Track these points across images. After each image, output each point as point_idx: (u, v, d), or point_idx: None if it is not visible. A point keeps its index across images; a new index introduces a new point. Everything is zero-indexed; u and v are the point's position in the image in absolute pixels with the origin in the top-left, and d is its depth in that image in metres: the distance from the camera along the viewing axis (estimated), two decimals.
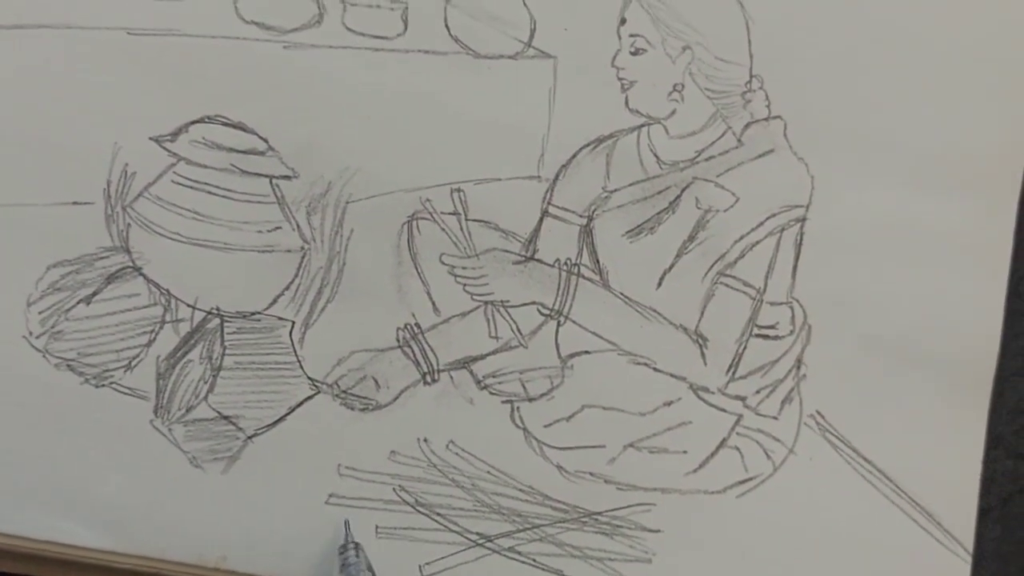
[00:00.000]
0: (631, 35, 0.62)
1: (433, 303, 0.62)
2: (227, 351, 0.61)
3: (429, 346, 0.62)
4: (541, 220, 0.62)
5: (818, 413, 0.63)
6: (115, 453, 0.59)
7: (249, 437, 0.60)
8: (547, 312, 0.62)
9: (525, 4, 0.61)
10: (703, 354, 0.63)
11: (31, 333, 0.59)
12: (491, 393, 0.62)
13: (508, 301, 0.62)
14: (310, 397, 0.61)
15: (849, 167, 0.63)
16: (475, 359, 0.62)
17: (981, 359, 0.64)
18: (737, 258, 0.63)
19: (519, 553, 0.62)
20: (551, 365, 0.62)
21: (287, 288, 0.61)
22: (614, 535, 0.62)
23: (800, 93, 0.63)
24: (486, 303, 0.62)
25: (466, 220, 0.62)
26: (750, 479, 0.63)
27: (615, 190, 0.63)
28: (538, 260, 0.62)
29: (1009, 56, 0.64)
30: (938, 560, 0.63)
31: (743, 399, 0.63)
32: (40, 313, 0.59)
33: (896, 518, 0.63)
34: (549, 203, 0.62)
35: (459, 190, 0.61)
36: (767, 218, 0.63)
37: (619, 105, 0.62)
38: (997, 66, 0.64)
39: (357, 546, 0.59)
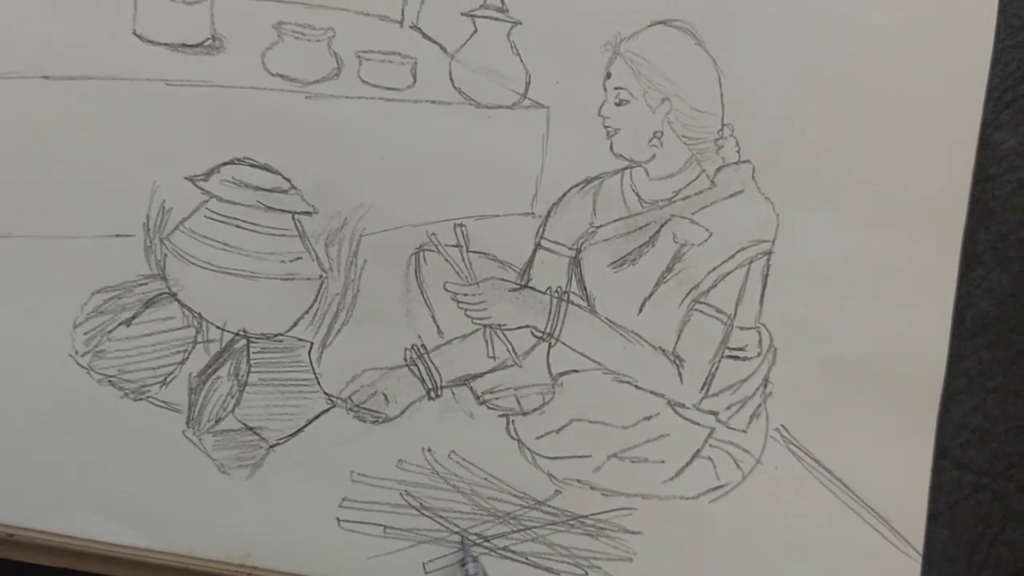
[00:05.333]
0: (615, 88, 0.64)
1: (437, 326, 0.63)
2: (252, 369, 0.62)
3: (433, 365, 0.63)
4: (534, 252, 0.64)
5: (783, 427, 0.65)
6: (151, 460, 0.60)
7: (271, 446, 0.61)
8: (539, 335, 0.64)
9: (521, 60, 0.63)
10: (680, 373, 0.64)
11: (77, 352, 0.60)
12: (489, 408, 0.63)
13: (504, 324, 0.63)
14: (326, 410, 0.62)
15: (811, 206, 0.65)
16: (474, 377, 0.63)
17: (929, 379, 0.65)
18: (710, 287, 0.64)
19: (513, 552, 0.62)
20: (543, 383, 0.64)
21: (307, 312, 0.62)
22: (599, 536, 0.63)
23: (767, 140, 0.65)
24: (485, 326, 0.63)
25: (467, 252, 0.63)
26: (722, 486, 0.64)
27: (601, 226, 0.64)
28: (532, 288, 0.64)
29: (953, 108, 0.66)
30: (891, 560, 0.64)
31: (715, 414, 0.65)
32: (85, 334, 0.60)
33: (853, 522, 0.64)
34: (542, 237, 0.64)
35: (461, 225, 0.63)
36: (737, 251, 0.64)
37: (605, 150, 0.64)
38: (942, 117, 0.66)
39: (476, 560, 0.60)
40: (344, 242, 0.62)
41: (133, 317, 0.61)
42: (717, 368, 0.65)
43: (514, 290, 0.64)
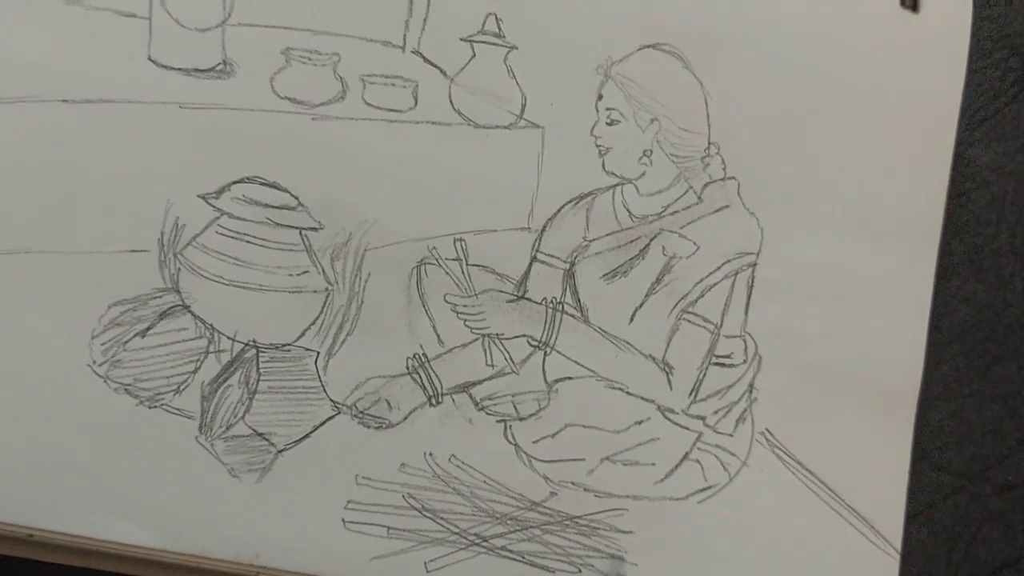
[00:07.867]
0: (607, 109, 0.65)
1: (438, 336, 0.64)
2: (262, 377, 0.62)
3: (434, 373, 0.64)
4: (530, 265, 0.65)
5: (767, 431, 0.66)
6: (164, 465, 0.61)
7: (280, 451, 0.62)
8: (536, 343, 0.65)
9: (517, 83, 0.64)
10: (669, 380, 0.65)
11: (94, 362, 0.61)
12: (487, 413, 0.64)
13: (502, 334, 0.64)
14: (332, 417, 0.63)
15: (793, 220, 0.66)
16: (474, 384, 0.64)
17: (907, 385, 0.66)
18: (698, 298, 0.65)
19: (511, 552, 0.63)
20: (539, 389, 0.65)
21: (313, 323, 0.63)
22: (592, 536, 0.64)
23: (751, 158, 0.66)
24: (483, 336, 0.64)
25: (467, 265, 0.64)
26: (709, 487, 0.65)
27: (594, 240, 0.65)
28: (528, 299, 0.65)
29: (928, 127, 0.67)
30: (871, 558, 0.65)
31: (703, 419, 0.66)
32: (102, 345, 0.61)
33: (835, 521, 0.65)
34: (537, 251, 0.65)
35: (461, 239, 0.64)
36: (723, 263, 0.65)
37: (597, 168, 0.65)
38: (919, 136, 0.67)
39: None
40: (349, 256, 0.63)
41: (148, 328, 0.62)
42: (704, 375, 0.66)
43: (511, 301, 0.65)
